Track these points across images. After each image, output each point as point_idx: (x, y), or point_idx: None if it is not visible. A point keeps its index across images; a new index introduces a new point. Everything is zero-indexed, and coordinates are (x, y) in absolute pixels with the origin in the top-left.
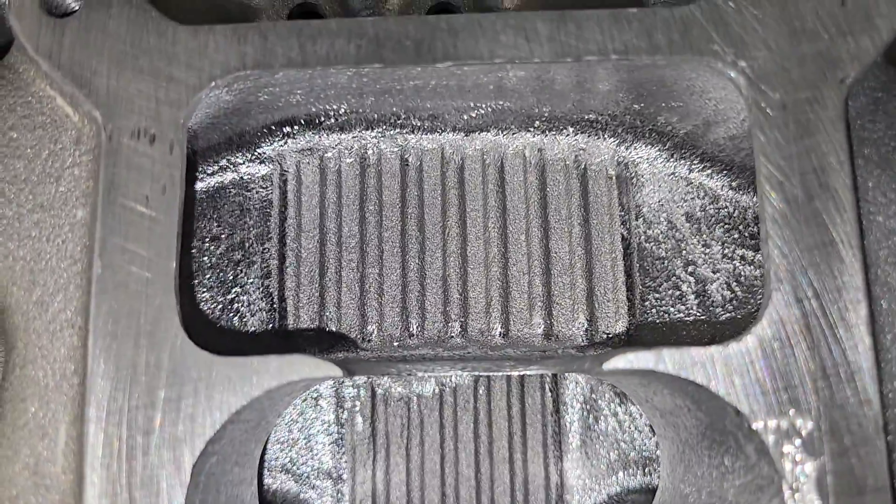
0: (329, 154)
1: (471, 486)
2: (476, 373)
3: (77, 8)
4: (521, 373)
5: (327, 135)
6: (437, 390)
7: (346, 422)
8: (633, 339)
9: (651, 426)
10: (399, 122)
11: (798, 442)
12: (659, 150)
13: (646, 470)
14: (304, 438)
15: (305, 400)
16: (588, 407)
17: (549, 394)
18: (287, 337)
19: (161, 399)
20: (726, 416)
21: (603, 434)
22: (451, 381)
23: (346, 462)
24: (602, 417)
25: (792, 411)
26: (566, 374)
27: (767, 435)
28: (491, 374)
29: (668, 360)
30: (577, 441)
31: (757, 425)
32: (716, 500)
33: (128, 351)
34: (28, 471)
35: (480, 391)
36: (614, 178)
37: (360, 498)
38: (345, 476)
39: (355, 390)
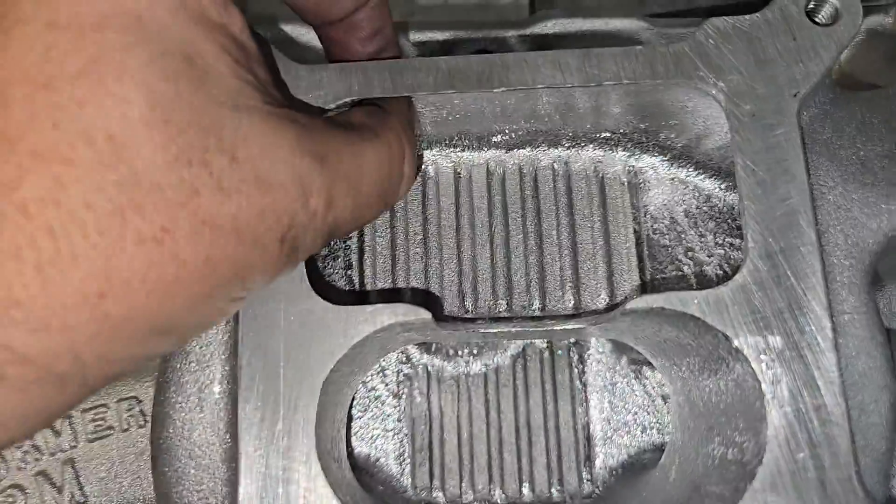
0: None
1: (513, 450)
2: (525, 328)
3: None
4: (562, 327)
5: None
6: (482, 370)
7: (406, 395)
8: None
9: (662, 397)
10: (452, 142)
11: (772, 356)
12: (661, 160)
13: (658, 432)
14: (373, 409)
15: (373, 378)
16: (609, 381)
17: (576, 370)
18: None
19: (292, 338)
20: (719, 344)
21: (622, 402)
22: (493, 362)
23: (406, 429)
24: (620, 390)
25: (766, 333)
26: (589, 357)
27: (748, 351)
28: (538, 328)
29: (674, 299)
30: (599, 410)
31: (740, 344)
32: (714, 424)
33: (268, 307)
34: (194, 396)
35: (518, 370)
36: (626, 183)
37: (419, 461)
38: (405, 441)
39: (413, 370)
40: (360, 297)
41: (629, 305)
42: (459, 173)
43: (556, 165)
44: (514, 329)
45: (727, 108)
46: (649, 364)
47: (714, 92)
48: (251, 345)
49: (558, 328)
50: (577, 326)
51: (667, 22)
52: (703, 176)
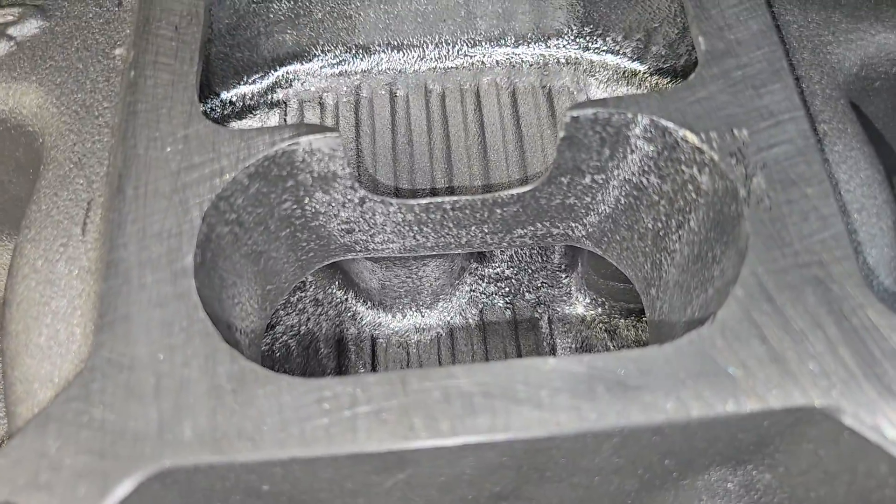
0: (327, 95)
1: None
2: (462, 196)
3: None
4: (507, 193)
5: (327, 80)
6: (435, 336)
7: (353, 366)
8: None
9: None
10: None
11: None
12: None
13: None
14: None
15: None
16: (581, 346)
17: (543, 342)
18: None
19: (179, 156)
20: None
21: None
22: (453, 321)
23: None
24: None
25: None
26: (562, 319)
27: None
28: (476, 197)
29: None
30: None
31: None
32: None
33: (156, 129)
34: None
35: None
36: (574, 94)
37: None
38: None
39: (357, 331)
40: None
41: (571, 113)
42: (396, 94)
43: (499, 80)
44: (449, 200)
45: None
46: None
47: None
48: (136, 157)
49: (503, 194)
50: (522, 190)
51: None
52: (655, 77)
